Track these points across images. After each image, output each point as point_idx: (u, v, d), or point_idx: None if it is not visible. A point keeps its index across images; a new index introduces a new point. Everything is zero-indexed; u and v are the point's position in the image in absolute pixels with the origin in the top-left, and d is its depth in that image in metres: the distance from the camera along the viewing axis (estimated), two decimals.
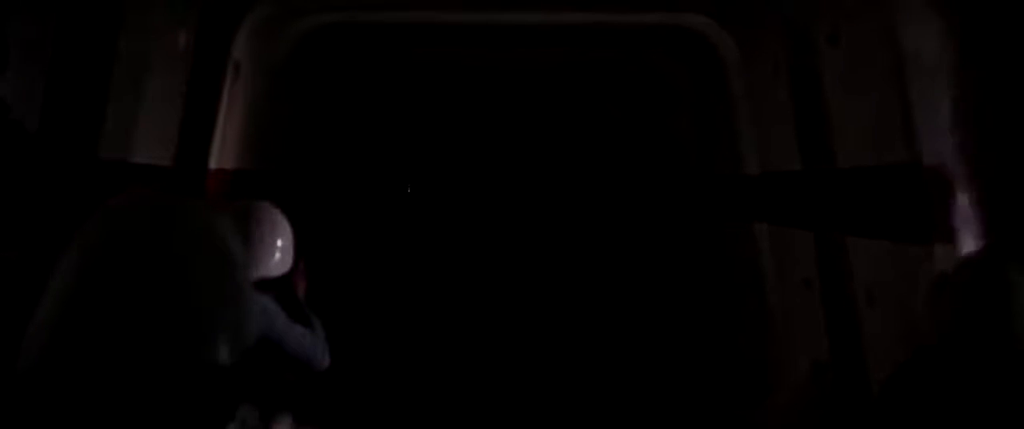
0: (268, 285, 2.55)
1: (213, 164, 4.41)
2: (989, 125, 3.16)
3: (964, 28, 3.15)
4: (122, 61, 3.30)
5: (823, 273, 4.50)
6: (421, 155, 7.96)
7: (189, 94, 4.06)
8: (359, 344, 6.07)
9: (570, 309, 6.89)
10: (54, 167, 3.06)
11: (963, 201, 3.32)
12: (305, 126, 5.97)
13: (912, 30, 3.25)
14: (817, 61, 4.06)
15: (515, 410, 5.16)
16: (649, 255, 6.99)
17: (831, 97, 3.97)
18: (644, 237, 7.15)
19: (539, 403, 5.29)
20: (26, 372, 0.95)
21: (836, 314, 4.46)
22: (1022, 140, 3.08)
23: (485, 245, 7.69)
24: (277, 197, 5.53)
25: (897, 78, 3.35)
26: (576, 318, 6.74)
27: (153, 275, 1.00)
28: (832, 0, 3.90)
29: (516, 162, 7.94)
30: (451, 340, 6.28)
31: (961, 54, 3.17)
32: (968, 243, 3.33)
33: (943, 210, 3.32)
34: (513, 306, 6.89)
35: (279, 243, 2.59)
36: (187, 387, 1.04)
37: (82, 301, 0.97)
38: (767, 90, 4.86)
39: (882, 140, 3.57)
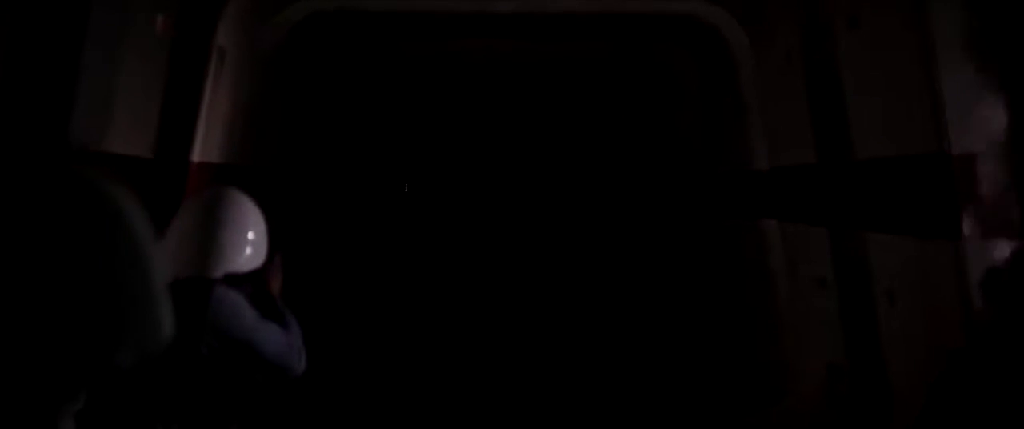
0: (240, 281, 2.33)
1: (196, 157, 4.18)
2: None
3: (998, 6, 2.93)
4: (94, 40, 3.07)
5: (839, 272, 4.29)
6: (417, 150, 7.72)
7: (169, 81, 3.83)
8: (353, 345, 5.96)
9: (573, 310, 6.69)
10: (16, 154, 2.84)
11: (995, 193, 3.10)
12: (295, 119, 5.74)
13: (942, 9, 3.02)
14: (834, 47, 3.84)
15: (518, 412, 5.00)
16: (655, 254, 6.77)
17: (850, 85, 3.75)
18: (650, 235, 6.93)
19: (543, 405, 5.12)
20: None
21: (853, 314, 4.25)
22: None
23: (485, 245, 7.47)
24: (264, 194, 5.35)
25: (924, 62, 3.12)
26: (579, 320, 6.55)
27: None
28: None
29: (516, 158, 7.69)
30: (452, 342, 6.09)
31: (994, 34, 2.95)
32: (999, 238, 3.12)
33: (973, 203, 3.11)
34: (514, 307, 6.71)
35: (250, 235, 2.37)
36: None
37: None
38: (779, 80, 4.64)
39: (906, 129, 3.35)
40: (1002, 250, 3.06)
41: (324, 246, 6.30)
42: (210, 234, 2.30)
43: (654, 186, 6.86)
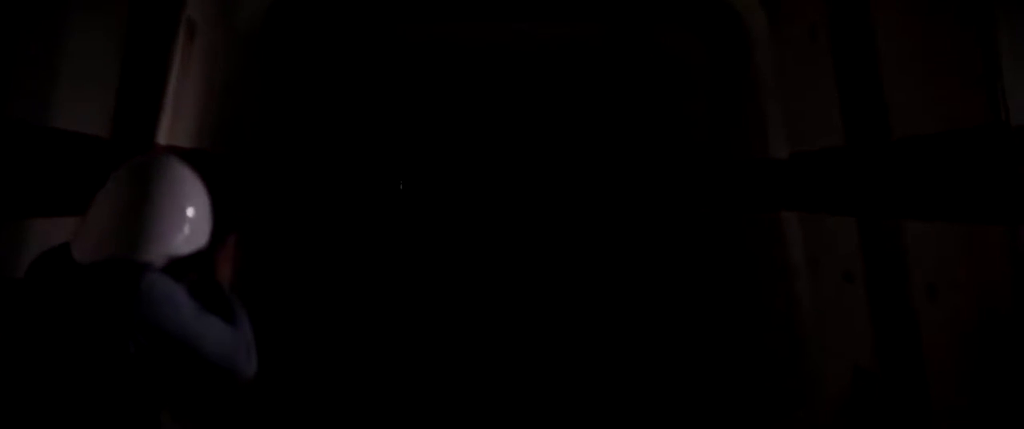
0: (181, 267, 1.95)
1: (162, 140, 3.79)
2: None
3: None
4: None
5: (869, 265, 3.90)
6: (407, 139, 7.25)
7: (130, 54, 3.45)
8: (337, 346, 5.63)
9: (578, 313, 6.33)
10: None
11: None
12: (277, 104, 5.36)
13: None
14: (868, 14, 3.46)
15: (526, 418, 4.81)
16: (665, 252, 6.38)
17: (887, 54, 3.37)
18: (659, 232, 6.54)
19: (552, 410, 4.90)
20: None
21: (884, 312, 3.87)
22: None
23: (482, 243, 7.07)
24: (242, 184, 4.97)
25: (977, 19, 2.74)
26: (585, 323, 6.19)
27: None
28: None
29: (512, 148, 7.26)
30: (454, 345, 5.80)
31: None
32: None
33: None
34: (516, 308, 6.36)
35: (188, 211, 1.99)
36: None
37: None
38: (802, 57, 4.27)
39: (954, 100, 2.97)
40: None
41: (307, 241, 5.93)
42: (140, 208, 1.92)
43: (662, 180, 6.47)
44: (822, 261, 4.37)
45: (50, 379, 1.76)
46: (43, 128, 2.96)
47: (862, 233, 3.89)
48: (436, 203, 7.31)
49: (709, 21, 5.10)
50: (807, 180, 4.38)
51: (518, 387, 5.18)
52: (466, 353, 5.71)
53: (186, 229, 1.96)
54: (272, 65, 5.09)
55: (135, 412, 1.81)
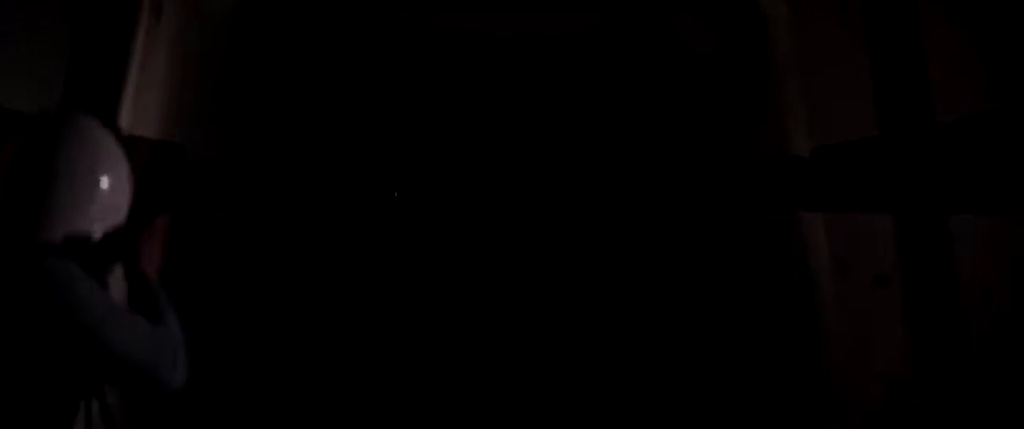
0: (95, 253, 1.57)
1: (123, 127, 3.40)
2: None
3: None
4: None
5: (908, 267, 3.54)
6: (398, 136, 6.82)
7: (81, 28, 3.07)
8: (330, 353, 5.31)
9: (589, 321, 5.98)
10: None
11: None
12: (259, 95, 4.98)
13: None
14: None
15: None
16: (678, 258, 6.00)
17: (934, 29, 3.02)
18: (671, 236, 6.16)
19: (563, 422, 4.74)
20: None
21: (925, 318, 3.51)
22: None
23: (478, 251, 6.68)
24: (217, 182, 4.58)
25: None
26: (597, 330, 5.85)
27: None
28: None
29: (516, 147, 6.83)
30: (457, 349, 5.57)
31: None
32: None
33: None
34: (521, 317, 6.02)
35: (102, 183, 1.61)
36: None
37: None
38: (829, 45, 3.93)
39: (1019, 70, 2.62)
40: None
41: (290, 243, 5.54)
42: (40, 177, 1.54)
43: (673, 181, 6.09)
44: (851, 264, 4.01)
45: None
46: None
47: (900, 231, 3.54)
48: (432, 211, 6.90)
49: (722, 7, 4.76)
50: (834, 176, 4.03)
51: (529, 401, 4.96)
52: (471, 366, 5.43)
53: (97, 204, 1.58)
54: (248, 53, 4.71)
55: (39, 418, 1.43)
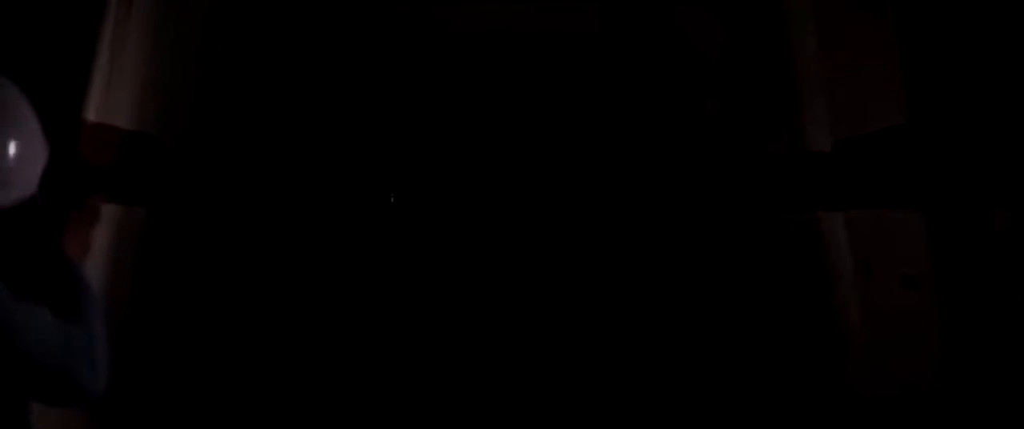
0: (4, 230, 1.32)
1: (91, 116, 3.15)
2: None
3: None
4: None
5: (940, 267, 3.27)
6: (394, 132, 6.52)
7: (39, 16, 2.83)
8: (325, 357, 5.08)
9: (598, 328, 5.71)
10: None
11: None
12: (244, 86, 4.74)
13: None
14: None
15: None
16: (688, 258, 5.72)
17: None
18: (681, 239, 5.87)
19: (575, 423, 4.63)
20: None
21: (961, 323, 3.24)
22: None
23: (491, 253, 6.39)
24: (199, 178, 4.33)
25: None
26: (606, 336, 5.58)
27: None
28: None
29: (519, 144, 6.53)
30: (462, 353, 5.39)
31: None
32: None
33: None
34: (530, 327, 5.77)
35: (9, 147, 1.36)
36: None
37: None
38: (852, 36, 3.68)
39: None
40: None
41: (280, 243, 5.28)
42: None
43: (683, 181, 5.80)
44: (876, 266, 3.74)
45: None
46: None
47: (931, 230, 3.27)
48: (430, 213, 6.62)
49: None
50: (858, 171, 3.76)
51: (538, 406, 4.88)
52: (474, 374, 5.25)
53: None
54: (232, 43, 4.47)
55: None
